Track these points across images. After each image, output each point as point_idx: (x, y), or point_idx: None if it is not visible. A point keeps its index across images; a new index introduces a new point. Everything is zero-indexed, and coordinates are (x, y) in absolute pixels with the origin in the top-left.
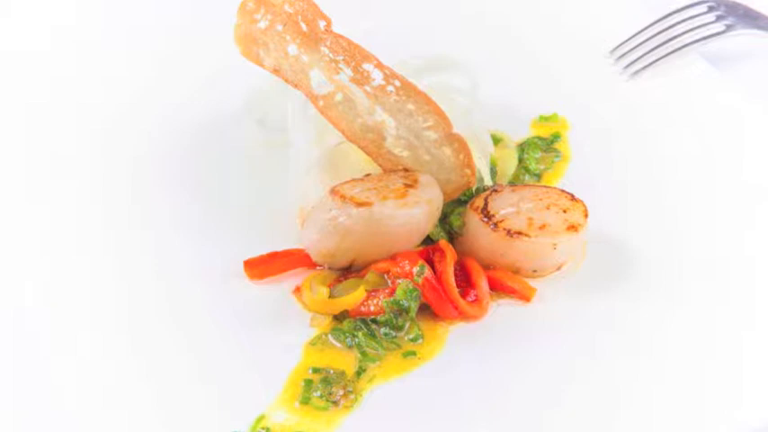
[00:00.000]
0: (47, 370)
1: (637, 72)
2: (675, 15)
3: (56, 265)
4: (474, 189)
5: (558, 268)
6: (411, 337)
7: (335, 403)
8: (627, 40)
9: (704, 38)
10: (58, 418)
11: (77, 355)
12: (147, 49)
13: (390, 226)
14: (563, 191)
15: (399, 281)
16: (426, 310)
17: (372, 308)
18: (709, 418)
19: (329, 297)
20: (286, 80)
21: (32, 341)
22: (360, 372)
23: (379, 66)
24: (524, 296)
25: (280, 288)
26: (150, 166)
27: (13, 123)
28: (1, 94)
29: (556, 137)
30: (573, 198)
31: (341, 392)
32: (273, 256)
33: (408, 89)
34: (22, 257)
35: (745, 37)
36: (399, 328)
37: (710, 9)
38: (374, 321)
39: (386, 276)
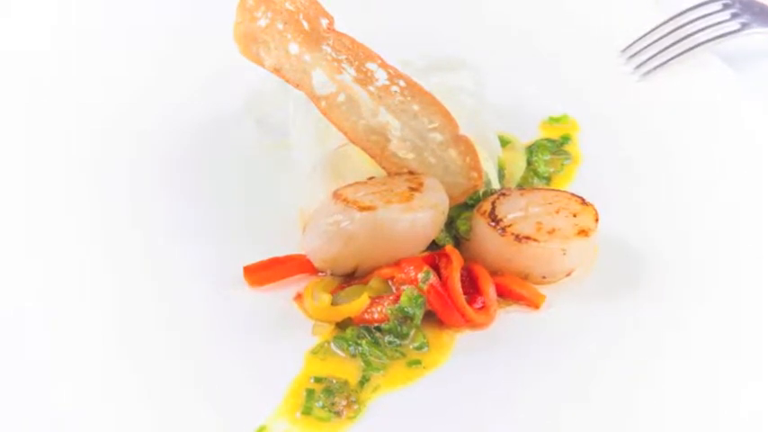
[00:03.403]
0: (44, 379)
1: (649, 72)
2: (689, 13)
3: (51, 268)
4: (481, 192)
5: (568, 274)
6: (416, 345)
7: (338, 414)
8: (638, 39)
9: (718, 36)
10: (56, 430)
11: (73, 365)
12: (147, 49)
13: (395, 231)
14: (573, 194)
15: (404, 287)
16: (432, 318)
17: (376, 315)
18: (723, 427)
19: (332, 304)
20: (287, 80)
21: (29, 346)
22: (363, 381)
23: (384, 65)
24: (533, 303)
25: (281, 295)
26: (149, 168)
27: (13, 123)
28: (1, 94)
29: (565, 138)
30: (583, 202)
31: (344, 402)
32: (274, 262)
33: (413, 89)
34: (20, 258)
35: (761, 35)
36: (404, 336)
37: (725, 7)
38: (378, 329)
39: (390, 283)
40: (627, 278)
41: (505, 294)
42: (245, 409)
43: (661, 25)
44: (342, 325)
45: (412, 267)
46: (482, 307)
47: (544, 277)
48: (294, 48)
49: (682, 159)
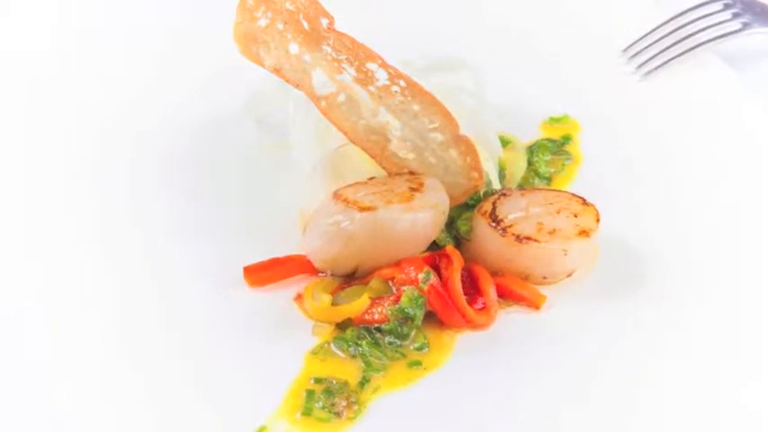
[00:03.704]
0: (44, 379)
1: (650, 72)
2: (690, 13)
3: (51, 268)
4: (482, 193)
5: (569, 275)
6: (416, 346)
7: (338, 415)
8: (640, 39)
9: (720, 36)
10: (56, 430)
11: (73, 365)
12: (147, 49)
13: (395, 231)
14: (574, 195)
15: (404, 288)
16: (432, 318)
17: (376, 316)
18: (723, 427)
19: (332, 305)
20: (287, 80)
21: (29, 346)
22: (363, 382)
23: (384, 65)
24: (534, 304)
25: (281, 295)
26: (149, 168)
27: (14, 123)
28: (1, 94)
29: (566, 139)
30: (584, 202)
31: (344, 403)
32: (274, 263)
33: (414, 89)
34: (20, 258)
35: (762, 35)
36: (404, 337)
37: (726, 7)
38: (378, 330)
39: (390, 283)
40: (627, 278)
41: (506, 295)
42: (245, 409)
43: (662, 25)
44: (342, 325)
45: (412, 268)
46: (483, 307)
47: (545, 278)
48: (294, 48)
49: (682, 159)
